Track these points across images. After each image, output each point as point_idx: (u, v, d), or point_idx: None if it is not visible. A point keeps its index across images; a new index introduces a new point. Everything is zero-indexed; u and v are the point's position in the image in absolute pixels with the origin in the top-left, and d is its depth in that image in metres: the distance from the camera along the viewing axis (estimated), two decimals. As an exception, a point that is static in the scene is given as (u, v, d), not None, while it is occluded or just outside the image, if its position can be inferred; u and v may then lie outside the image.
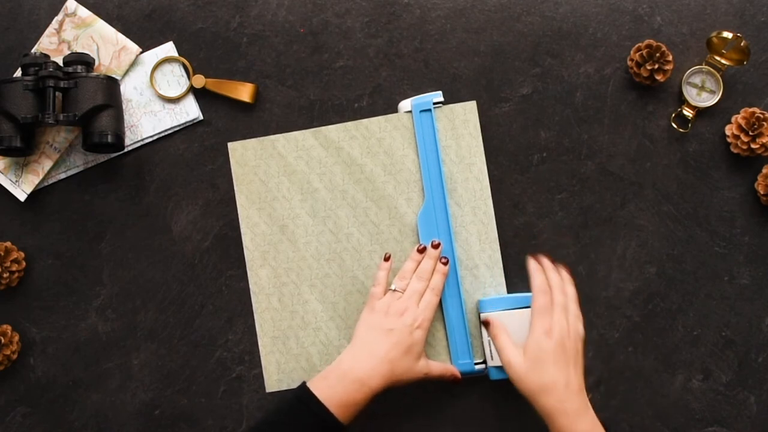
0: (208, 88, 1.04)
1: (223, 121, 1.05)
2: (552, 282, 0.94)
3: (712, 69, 1.01)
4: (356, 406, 0.90)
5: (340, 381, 0.91)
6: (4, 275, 1.01)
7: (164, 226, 1.05)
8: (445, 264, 0.99)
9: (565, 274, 0.96)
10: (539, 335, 0.90)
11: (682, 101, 1.02)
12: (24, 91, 0.98)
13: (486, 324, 0.96)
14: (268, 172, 1.03)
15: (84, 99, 0.99)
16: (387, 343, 0.93)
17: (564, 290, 0.94)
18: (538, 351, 0.90)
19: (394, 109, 1.04)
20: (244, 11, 1.06)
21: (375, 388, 0.91)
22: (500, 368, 0.95)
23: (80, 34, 1.06)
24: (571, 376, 0.89)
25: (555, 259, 0.98)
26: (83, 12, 1.06)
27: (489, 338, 0.96)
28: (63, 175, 1.06)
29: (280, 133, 1.04)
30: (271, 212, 1.03)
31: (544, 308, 0.92)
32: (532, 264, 0.96)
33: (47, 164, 1.04)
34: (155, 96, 1.06)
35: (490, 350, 0.97)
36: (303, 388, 0.91)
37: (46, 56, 1.01)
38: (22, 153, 1.03)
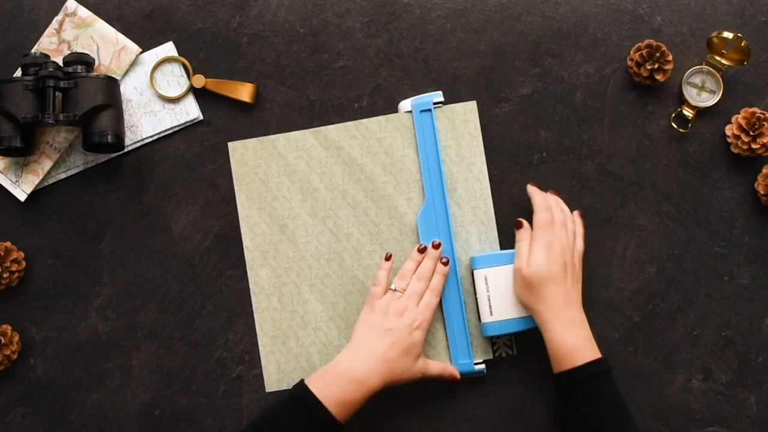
0: (208, 88, 1.04)
1: (223, 121, 1.05)
2: (550, 201, 0.97)
3: (712, 69, 1.01)
4: (354, 405, 0.90)
5: (338, 380, 0.91)
6: (4, 275, 1.01)
7: (164, 226, 1.05)
8: (446, 264, 0.99)
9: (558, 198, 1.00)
10: (539, 249, 0.93)
11: (682, 101, 1.02)
12: (24, 91, 0.98)
13: (519, 225, 0.97)
14: (268, 172, 1.03)
15: (84, 99, 0.99)
16: (385, 342, 0.93)
17: (561, 208, 0.97)
18: (538, 265, 0.92)
19: (394, 109, 1.04)
20: (244, 11, 1.06)
21: (373, 387, 0.91)
22: (496, 324, 0.97)
23: (80, 34, 1.06)
24: (569, 289, 0.92)
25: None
26: (83, 12, 1.06)
27: (488, 294, 0.97)
28: (63, 175, 1.06)
29: (280, 133, 1.04)
30: (271, 212, 1.03)
31: (546, 223, 0.94)
32: (531, 187, 0.99)
33: (47, 164, 1.04)
34: (155, 96, 1.06)
35: (489, 306, 0.97)
36: (301, 387, 0.91)
37: (46, 56, 1.01)
38: (22, 153, 1.03)
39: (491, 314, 0.97)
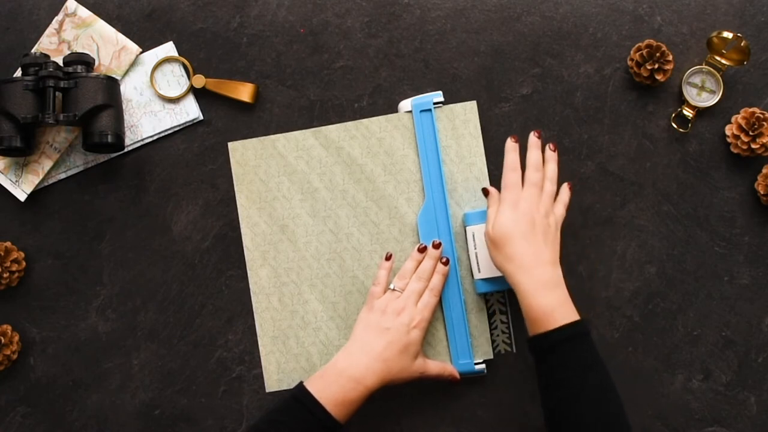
0: (208, 88, 1.04)
1: (223, 121, 1.05)
2: (530, 160, 0.94)
3: (712, 69, 1.01)
4: (352, 404, 0.90)
5: (336, 379, 0.91)
6: (4, 275, 1.01)
7: (164, 226, 1.05)
8: (446, 264, 0.99)
9: (550, 153, 0.96)
10: (505, 208, 0.91)
11: (682, 101, 1.02)
12: (24, 91, 0.98)
13: (486, 192, 0.96)
14: (268, 172, 1.03)
15: (84, 99, 0.99)
16: (382, 341, 0.93)
17: (538, 168, 0.93)
18: (504, 222, 0.90)
19: (394, 109, 1.04)
20: (244, 11, 1.06)
21: (370, 386, 0.91)
22: (486, 281, 0.97)
23: (80, 34, 1.06)
24: (540, 249, 0.88)
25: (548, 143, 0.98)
26: (83, 12, 1.06)
27: (476, 251, 0.97)
28: (63, 175, 1.06)
29: (280, 133, 1.04)
30: (271, 212, 1.03)
31: (512, 184, 0.92)
32: (508, 143, 0.95)
33: (47, 164, 1.04)
34: (155, 96, 1.06)
35: (477, 263, 0.98)
36: (300, 387, 0.91)
37: (46, 56, 1.01)
38: (22, 153, 1.03)
39: (479, 271, 0.98)
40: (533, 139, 0.95)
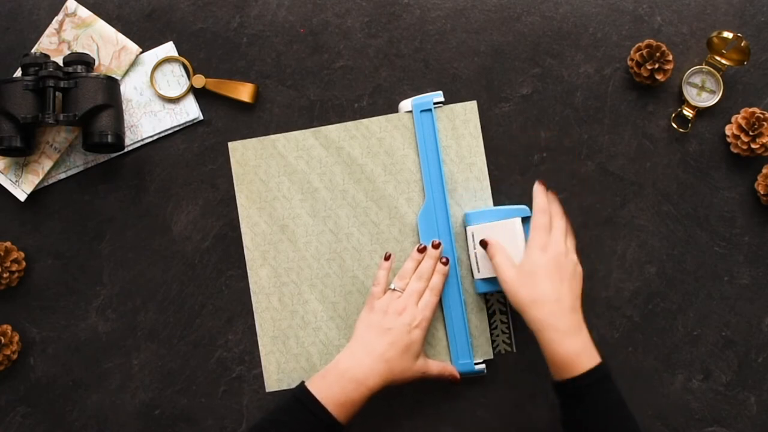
0: (208, 88, 1.04)
1: (223, 121, 1.05)
2: (553, 209, 0.95)
3: (712, 69, 1.01)
4: (354, 405, 0.90)
5: (338, 380, 0.91)
6: (4, 275, 1.01)
7: (164, 226, 1.05)
8: (446, 264, 0.99)
9: (551, 195, 0.97)
10: (534, 249, 0.91)
11: (682, 101, 1.02)
12: (24, 91, 0.98)
13: (484, 244, 0.96)
14: (268, 172, 1.03)
15: (84, 99, 0.99)
16: (384, 342, 0.93)
17: (562, 216, 0.95)
18: (531, 264, 0.91)
19: (394, 109, 1.04)
20: (244, 11, 1.06)
21: (372, 387, 0.91)
22: (486, 281, 0.97)
23: (80, 34, 1.06)
24: (564, 293, 0.89)
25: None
26: (83, 12, 1.06)
27: (475, 251, 0.98)
28: (63, 175, 1.06)
29: (280, 133, 1.04)
30: (271, 212, 1.03)
31: (543, 226, 0.93)
32: (537, 186, 0.96)
33: (47, 164, 1.04)
34: (155, 96, 1.06)
35: (477, 264, 0.98)
36: (301, 388, 0.91)
37: (46, 56, 1.01)
38: (22, 153, 1.03)
39: (479, 271, 0.98)
40: (552, 194, 0.97)
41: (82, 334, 1.04)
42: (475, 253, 0.98)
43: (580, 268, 0.93)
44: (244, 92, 1.04)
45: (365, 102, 1.05)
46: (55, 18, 1.06)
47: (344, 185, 1.03)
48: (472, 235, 0.98)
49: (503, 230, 0.96)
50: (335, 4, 1.06)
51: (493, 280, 0.97)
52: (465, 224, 1.00)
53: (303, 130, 1.03)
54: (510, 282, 0.91)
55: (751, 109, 0.99)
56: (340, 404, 0.90)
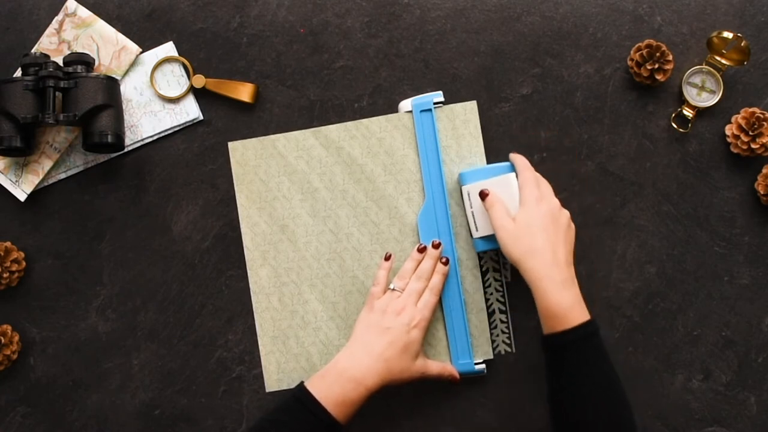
0: (208, 88, 1.04)
1: (223, 121, 1.05)
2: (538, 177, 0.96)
3: (712, 69, 1.01)
4: (353, 404, 0.90)
5: (337, 380, 0.91)
6: (4, 275, 1.01)
7: (164, 226, 1.05)
8: (446, 264, 0.99)
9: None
10: (529, 202, 0.92)
11: (682, 101, 1.02)
12: (24, 91, 0.98)
13: (483, 195, 0.96)
14: (268, 172, 1.03)
15: (84, 99, 0.99)
16: (383, 341, 0.93)
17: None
18: (528, 216, 0.91)
19: (394, 109, 1.04)
20: (244, 11, 1.06)
21: (371, 386, 0.91)
22: (485, 239, 0.97)
23: (80, 34, 1.06)
24: (559, 245, 0.90)
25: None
26: (83, 12, 1.06)
27: (472, 210, 0.98)
28: (63, 175, 1.06)
29: (280, 133, 1.04)
30: (271, 212, 1.03)
31: (532, 180, 0.94)
32: (513, 153, 0.98)
33: (47, 164, 1.04)
34: (155, 96, 1.06)
35: (474, 222, 0.98)
36: (301, 388, 0.91)
37: (46, 56, 1.01)
38: (22, 153, 1.03)
39: (477, 230, 0.98)
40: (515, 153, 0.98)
41: (82, 334, 1.04)
42: (472, 212, 0.98)
43: (573, 223, 0.94)
44: (244, 92, 1.04)
45: (365, 102, 1.05)
46: (55, 18, 1.06)
47: (344, 185, 1.03)
48: (468, 194, 0.98)
49: (498, 186, 0.95)
50: (335, 4, 1.06)
51: (492, 238, 0.96)
52: (460, 184, 1.00)
53: (303, 130, 1.03)
54: (507, 233, 0.91)
55: (751, 109, 0.99)
56: (339, 404, 0.90)
